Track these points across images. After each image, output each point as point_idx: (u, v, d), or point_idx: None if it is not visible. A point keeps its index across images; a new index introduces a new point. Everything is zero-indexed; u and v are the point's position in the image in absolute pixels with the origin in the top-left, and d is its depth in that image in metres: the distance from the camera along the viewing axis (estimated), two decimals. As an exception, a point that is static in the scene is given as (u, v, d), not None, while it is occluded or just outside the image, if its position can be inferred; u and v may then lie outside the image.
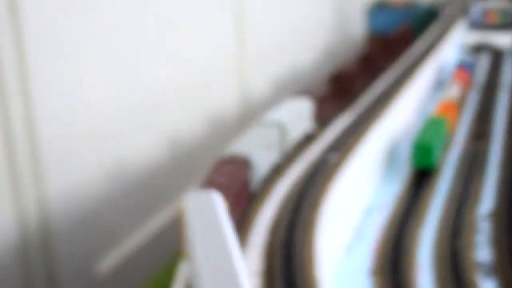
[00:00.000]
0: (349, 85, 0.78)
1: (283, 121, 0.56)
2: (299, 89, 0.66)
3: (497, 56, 1.47)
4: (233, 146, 0.50)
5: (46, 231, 0.72)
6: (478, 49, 1.55)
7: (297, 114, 0.59)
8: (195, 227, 0.53)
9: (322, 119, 0.64)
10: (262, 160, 0.51)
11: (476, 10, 1.82)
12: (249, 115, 1.45)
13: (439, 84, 1.25)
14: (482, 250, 0.50)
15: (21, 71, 0.68)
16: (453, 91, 1.03)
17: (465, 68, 1.26)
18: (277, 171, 0.57)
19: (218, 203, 0.56)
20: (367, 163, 0.64)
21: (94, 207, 0.86)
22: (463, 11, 1.86)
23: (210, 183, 0.52)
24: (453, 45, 1.45)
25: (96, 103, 0.90)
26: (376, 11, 2.80)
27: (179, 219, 0.54)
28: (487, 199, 0.61)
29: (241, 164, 0.50)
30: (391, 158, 0.75)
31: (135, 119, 1.01)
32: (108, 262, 0.87)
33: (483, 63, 1.40)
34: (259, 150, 0.51)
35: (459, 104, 1.01)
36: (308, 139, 0.59)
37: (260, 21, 1.49)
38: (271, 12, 1.62)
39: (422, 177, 0.68)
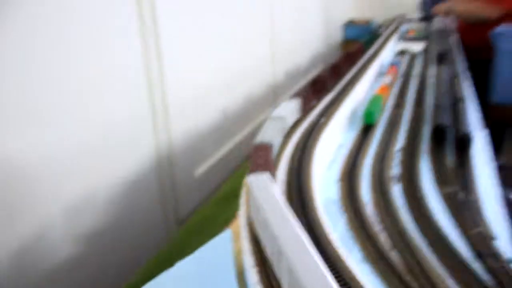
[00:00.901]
0: (323, 86, 1.13)
1: (284, 116, 0.85)
2: (292, 94, 0.99)
3: (412, 57, 1.92)
4: (259, 136, 0.76)
5: (170, 150, 1.17)
6: (402, 53, 2.01)
7: (291, 110, 0.89)
8: (260, 198, 0.54)
9: (306, 111, 0.99)
10: (278, 141, 0.80)
11: (403, 28, 2.36)
12: (276, 92, 1.96)
13: (380, 75, 1.72)
14: (395, 169, 0.92)
15: (158, 53, 1.06)
16: (387, 79, 1.49)
17: (394, 65, 1.74)
18: (290, 129, 0.92)
19: (270, 180, 0.61)
20: (340, 121, 1.05)
21: (194, 137, 1.31)
22: (396, 29, 2.40)
23: (255, 164, 0.70)
24: (389, 51, 1.90)
25: (201, 77, 1.33)
26: (348, 26, 3.46)
27: (246, 193, 0.63)
28: (400, 141, 1.04)
29: (268, 148, 0.73)
30: (352, 118, 1.18)
31: (220, 88, 1.46)
32: (201, 170, 1.35)
33: (405, 61, 1.84)
34: (275, 136, 0.78)
35: (390, 87, 1.47)
36: (296, 124, 0.93)
37: (283, 36, 2.00)
38: (290, 30, 2.14)
39: (367, 129, 1.10)
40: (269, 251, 0.53)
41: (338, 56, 1.52)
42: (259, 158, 0.75)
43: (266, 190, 0.59)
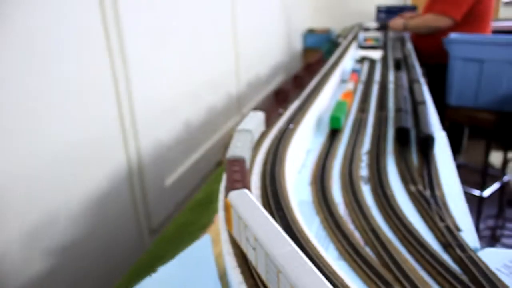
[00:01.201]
0: (286, 96, 1.16)
1: (251, 128, 0.84)
2: (255, 106, 1.00)
3: (372, 64, 2.00)
4: (230, 151, 0.76)
5: (140, 161, 1.17)
6: (362, 60, 2.10)
7: (257, 122, 0.88)
8: (244, 212, 0.52)
9: (271, 122, 0.99)
10: (248, 154, 0.78)
11: (361, 37, 2.45)
12: (241, 102, 2.00)
13: (342, 82, 1.78)
14: (363, 170, 0.95)
15: (125, 69, 1.06)
16: (350, 86, 1.55)
17: (355, 72, 1.80)
18: (261, 137, 0.93)
19: (249, 195, 0.57)
20: (308, 127, 1.07)
21: (163, 147, 1.31)
22: (355, 38, 2.50)
23: (232, 180, 0.68)
24: (349, 58, 1.98)
25: (167, 89, 1.32)
26: (308, 34, 3.56)
27: (226, 209, 0.57)
28: (366, 144, 1.08)
29: (242, 162, 0.71)
30: (319, 123, 1.21)
31: (187, 98, 1.45)
32: (171, 179, 1.35)
33: (365, 68, 1.92)
34: (245, 149, 0.76)
35: (353, 93, 1.53)
36: (264, 134, 0.93)
37: (246, 47, 2.04)
38: (253, 40, 2.18)
39: (334, 133, 1.14)
40: (262, 270, 0.51)
41: (299, 66, 1.55)
42: (235, 173, 0.74)
43: (252, 208, 0.57)
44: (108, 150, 1.21)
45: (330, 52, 2.07)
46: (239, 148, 0.85)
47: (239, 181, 0.69)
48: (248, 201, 0.59)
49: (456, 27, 2.67)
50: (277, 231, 0.51)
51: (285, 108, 1.20)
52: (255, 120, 1.01)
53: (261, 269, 0.51)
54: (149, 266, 0.68)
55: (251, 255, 0.54)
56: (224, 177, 0.79)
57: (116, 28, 1.19)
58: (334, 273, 0.56)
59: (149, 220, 1.41)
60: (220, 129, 1.92)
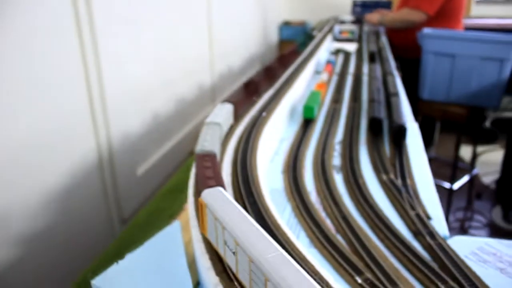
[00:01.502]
0: (256, 88, 1.13)
1: (219, 121, 0.81)
2: (225, 98, 0.98)
3: (347, 56, 2.01)
4: (199, 145, 0.72)
5: (111, 150, 1.14)
6: (337, 52, 2.11)
7: (225, 115, 0.85)
8: (221, 212, 0.47)
9: (238, 116, 0.97)
10: (218, 148, 0.76)
11: (336, 30, 2.46)
12: (215, 92, 1.97)
13: (317, 73, 1.79)
14: (336, 159, 0.96)
15: (95, 55, 1.02)
16: (324, 77, 1.55)
17: (330, 63, 1.81)
18: (228, 132, 0.91)
19: (225, 193, 0.53)
20: (281, 116, 1.07)
21: (135, 137, 1.28)
22: (330, 31, 2.51)
23: (204, 177, 0.64)
24: (324, 50, 1.98)
25: (139, 77, 1.29)
26: (283, 27, 3.55)
27: (200, 209, 0.53)
28: (339, 134, 1.09)
29: (212, 157, 0.68)
30: (292, 113, 1.21)
31: (160, 87, 1.42)
32: (143, 168, 1.32)
33: (340, 60, 1.93)
34: (215, 143, 0.74)
35: (327, 83, 1.53)
36: (231, 129, 0.91)
37: (221, 38, 2.01)
38: (228, 31, 2.15)
39: (308, 123, 1.14)
40: (245, 277, 0.46)
41: (273, 57, 1.54)
42: (206, 170, 0.68)
43: (230, 208, 0.52)
44: (77, 138, 1.18)
45: (304, 44, 2.06)
46: (208, 141, 0.80)
47: (212, 178, 0.64)
48: (224, 200, 0.54)
49: (429, 23, 2.71)
50: (261, 234, 0.47)
51: (259, 97, 1.19)
52: (223, 113, 0.96)
53: (243, 276, 0.47)
54: (117, 254, 0.66)
55: (230, 260, 0.49)
56: (194, 173, 0.75)
57: (87, 13, 1.16)
58: (305, 260, 0.55)
59: (120, 210, 1.39)
60: (194, 119, 1.90)
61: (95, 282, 0.60)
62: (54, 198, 1.11)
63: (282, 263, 0.42)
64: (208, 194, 0.55)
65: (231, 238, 0.48)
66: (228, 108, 1.00)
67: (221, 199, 0.54)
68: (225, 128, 0.96)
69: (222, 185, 0.59)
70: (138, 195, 1.44)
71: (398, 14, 2.86)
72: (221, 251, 0.52)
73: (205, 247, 0.56)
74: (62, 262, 1.13)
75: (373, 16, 3.05)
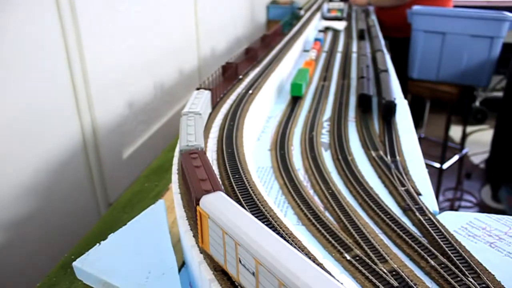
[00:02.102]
0: (234, 72, 1.09)
1: (200, 110, 0.77)
2: (200, 85, 0.94)
3: (336, 34, 1.99)
4: (183, 140, 0.65)
5: (96, 132, 1.12)
6: (325, 30, 2.08)
7: (204, 103, 0.82)
8: (227, 221, 0.42)
9: (216, 103, 0.93)
10: (203, 142, 0.71)
11: (325, 8, 2.44)
12: (202, 72, 1.95)
13: (305, 51, 1.77)
14: (324, 137, 0.95)
15: (76, 34, 1.00)
16: (312, 54, 1.53)
17: (318, 41, 1.79)
18: (220, 101, 0.89)
19: (229, 199, 0.47)
20: (268, 93, 1.05)
21: (120, 119, 1.26)
22: (319, 9, 2.48)
23: (196, 180, 0.57)
24: (312, 28, 1.96)
25: (123, 57, 1.26)
26: (271, 6, 3.50)
27: (200, 221, 0.48)
28: (327, 112, 1.07)
29: (200, 154, 0.61)
30: (280, 90, 1.19)
31: (146, 68, 1.39)
32: (129, 151, 1.30)
33: (328, 38, 1.91)
34: (199, 137, 0.68)
35: (315, 61, 1.52)
36: (216, 107, 0.89)
37: (207, 16, 1.97)
38: (215, 9, 2.11)
39: (296, 100, 1.12)
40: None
41: (247, 44, 1.50)
42: (197, 170, 0.57)
43: (241, 218, 0.43)
44: (60, 122, 1.15)
45: (290, 25, 2.02)
46: (192, 135, 0.70)
47: (206, 179, 0.55)
48: (231, 209, 0.45)
49: (419, 1, 2.68)
50: (291, 250, 0.38)
51: (230, 88, 1.16)
52: (202, 100, 0.86)
53: None
54: (100, 235, 0.64)
55: (247, 283, 0.41)
56: (181, 173, 0.67)
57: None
58: (292, 237, 0.54)
59: (106, 194, 1.37)
60: (180, 101, 1.87)
61: (76, 263, 0.58)
62: (38, 182, 1.08)
63: (311, 272, 0.35)
64: (209, 202, 0.47)
65: (250, 257, 0.39)
66: (206, 95, 0.90)
67: (226, 207, 0.45)
68: (205, 117, 0.88)
69: (220, 188, 0.52)
70: (124, 178, 1.42)
71: None
72: (231, 270, 0.43)
73: (189, 224, 0.54)
74: (47, 247, 1.11)
75: None
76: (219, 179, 0.57)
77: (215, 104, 0.99)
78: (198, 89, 0.93)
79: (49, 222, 1.13)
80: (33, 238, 1.08)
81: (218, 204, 0.46)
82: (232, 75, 1.13)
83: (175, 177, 0.64)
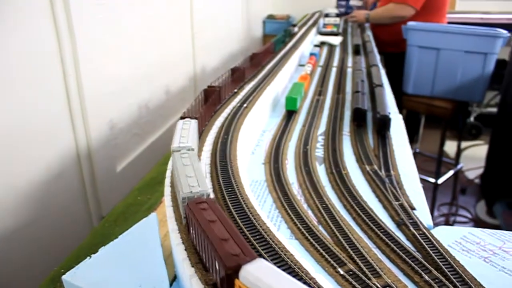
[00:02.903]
0: (217, 97, 1.06)
1: (192, 145, 0.71)
2: (184, 113, 0.93)
3: (331, 49, 2.02)
4: (184, 188, 0.58)
5: (89, 145, 1.11)
6: (321, 44, 2.12)
7: (193, 134, 0.77)
8: None
9: (201, 133, 0.91)
10: (206, 184, 0.62)
11: (321, 23, 2.48)
12: (197, 86, 1.94)
13: (300, 65, 1.78)
14: (319, 151, 0.95)
15: (71, 43, 0.99)
16: (308, 68, 1.55)
17: (314, 55, 1.81)
18: (214, 115, 0.88)
19: (272, 267, 0.37)
20: (263, 107, 1.05)
21: (114, 132, 1.25)
22: (315, 24, 2.52)
23: (217, 239, 0.52)
24: (308, 43, 1.99)
25: (118, 70, 1.26)
26: (268, 21, 3.54)
27: None
28: (322, 126, 1.08)
29: (211, 203, 0.52)
30: (274, 104, 1.20)
31: (141, 80, 1.39)
32: (122, 164, 1.29)
33: (324, 53, 1.94)
34: (202, 180, 0.59)
35: (311, 75, 1.53)
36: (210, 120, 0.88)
37: (204, 30, 1.97)
38: (211, 24, 2.12)
39: (290, 114, 1.12)
40: None
41: (243, 58, 1.47)
42: (214, 226, 0.46)
43: None
44: (54, 135, 1.14)
45: (282, 42, 2.01)
46: (192, 178, 0.58)
47: (228, 239, 0.44)
48: (283, 280, 0.36)
49: (414, 18, 2.71)
50: None
51: (240, 88, 1.16)
52: (190, 132, 0.75)
53: None
54: (91, 248, 0.64)
55: None
56: (170, 186, 0.63)
57: (64, 5, 1.12)
58: (285, 251, 0.53)
59: (99, 207, 1.36)
60: (176, 114, 1.87)
61: (65, 277, 0.57)
62: (31, 195, 1.08)
63: None
64: (254, 277, 0.37)
65: None
66: (193, 125, 0.79)
67: (278, 280, 0.36)
68: (196, 149, 0.78)
69: (253, 253, 0.41)
70: (117, 191, 1.41)
71: (385, 9, 2.85)
72: None
73: (181, 237, 0.53)
74: (39, 260, 1.09)
75: (359, 14, 3.04)
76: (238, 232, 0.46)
77: (200, 133, 0.91)
78: (182, 118, 0.84)
79: (42, 235, 1.12)
80: (25, 251, 1.07)
81: (266, 279, 0.37)
82: (216, 99, 1.06)
83: (167, 189, 0.64)
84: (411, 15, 2.71)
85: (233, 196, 0.66)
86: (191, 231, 0.52)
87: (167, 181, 0.66)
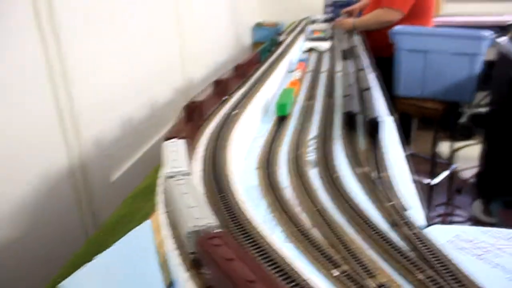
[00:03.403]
0: (200, 112, 1.04)
1: (186, 169, 0.68)
2: (169, 133, 0.92)
3: (320, 54, 2.05)
4: (189, 218, 0.54)
5: (82, 156, 1.11)
6: (310, 50, 2.14)
7: (184, 157, 0.74)
8: None
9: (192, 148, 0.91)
10: (211, 214, 0.59)
11: (309, 29, 2.52)
12: (188, 96, 1.96)
13: (290, 71, 1.80)
14: (311, 155, 0.96)
15: (61, 60, 0.99)
16: (297, 74, 1.56)
17: (303, 62, 1.83)
18: (205, 122, 0.86)
19: None
20: (254, 113, 1.06)
21: (108, 142, 1.25)
22: (302, 31, 2.55)
23: (237, 277, 0.37)
24: (297, 49, 2.02)
25: (109, 81, 1.26)
26: (256, 28, 3.57)
27: None
28: (313, 131, 1.09)
29: (225, 237, 0.50)
30: (265, 110, 1.21)
31: (131, 91, 1.40)
32: (117, 174, 1.29)
33: (313, 58, 1.96)
34: (205, 210, 0.56)
35: (300, 81, 1.55)
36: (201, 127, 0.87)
37: (192, 40, 1.99)
38: (199, 33, 2.13)
39: (281, 120, 1.14)
40: None
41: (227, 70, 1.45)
42: (233, 264, 0.41)
43: None
44: (45, 146, 1.14)
45: (268, 51, 1.98)
46: (195, 208, 0.52)
47: (254, 281, 0.39)
48: None
49: (401, 22, 2.73)
50: None
51: (230, 95, 1.16)
52: (181, 154, 0.70)
53: None
54: (86, 257, 0.64)
55: None
56: (163, 194, 0.61)
57: (49, 13, 1.12)
58: (278, 253, 0.54)
59: (95, 217, 1.36)
60: (167, 124, 1.88)
61: (61, 286, 0.57)
62: (24, 208, 1.07)
63: None
64: None
65: None
66: (182, 146, 0.74)
67: None
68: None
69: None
70: (112, 201, 1.41)
71: (372, 15, 2.86)
72: None
73: (175, 243, 0.54)
74: (35, 272, 1.09)
75: (346, 21, 3.03)
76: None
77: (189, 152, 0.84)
78: (168, 138, 0.79)
79: (37, 247, 1.11)
80: (20, 263, 1.06)
81: None
82: (198, 115, 1.03)
83: (161, 196, 0.64)
84: (398, 19, 2.73)
85: (226, 202, 0.67)
86: (206, 270, 0.46)
87: (160, 189, 0.67)
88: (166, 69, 1.90)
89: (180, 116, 0.96)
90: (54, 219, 1.18)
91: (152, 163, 1.63)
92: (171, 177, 0.62)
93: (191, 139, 0.91)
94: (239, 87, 1.34)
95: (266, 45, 1.93)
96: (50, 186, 1.17)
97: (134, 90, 1.58)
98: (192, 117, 0.99)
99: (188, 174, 0.63)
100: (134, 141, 1.58)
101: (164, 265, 0.60)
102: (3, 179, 1.01)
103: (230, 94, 1.22)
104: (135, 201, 0.98)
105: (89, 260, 0.61)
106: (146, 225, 0.67)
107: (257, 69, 1.55)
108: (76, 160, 1.26)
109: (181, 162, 0.67)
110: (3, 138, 1.00)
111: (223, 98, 1.16)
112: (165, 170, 0.64)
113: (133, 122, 1.57)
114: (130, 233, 0.65)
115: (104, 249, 0.64)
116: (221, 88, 1.21)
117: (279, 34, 2.27)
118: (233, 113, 1.06)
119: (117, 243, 0.62)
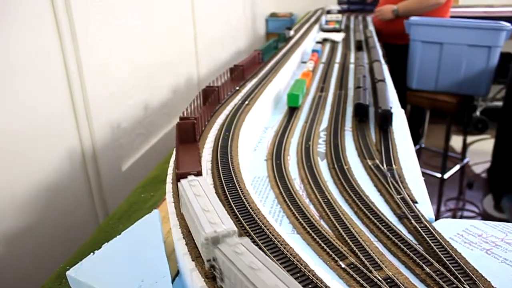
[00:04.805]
0: (193, 130, 0.99)
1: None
2: (183, 114, 0.89)
3: (334, 45, 2.03)
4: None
5: (94, 145, 1.13)
6: (323, 41, 2.12)
7: (210, 193, 0.66)
8: None
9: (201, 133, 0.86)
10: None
11: (323, 20, 2.49)
12: (201, 85, 1.94)
13: (302, 62, 1.78)
14: (321, 146, 0.95)
15: (74, 45, 1.00)
16: (310, 65, 1.55)
17: (316, 52, 1.81)
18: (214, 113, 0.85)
19: None
20: (265, 104, 1.06)
21: (119, 132, 1.26)
22: (316, 21, 2.50)
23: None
24: (311, 40, 1.99)
25: (122, 70, 1.27)
26: (270, 19, 3.55)
27: None
28: (324, 122, 1.08)
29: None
30: (277, 101, 1.20)
31: (144, 80, 1.40)
32: (128, 164, 1.31)
33: (326, 49, 1.94)
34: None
35: (313, 72, 1.54)
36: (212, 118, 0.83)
37: (207, 30, 1.97)
38: (214, 23, 2.11)
39: (292, 111, 1.12)
40: None
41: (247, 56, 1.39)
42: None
43: None
44: (59, 136, 1.15)
45: (275, 48, 1.80)
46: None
47: None
48: None
49: (429, 13, 2.64)
50: None
51: (242, 85, 1.15)
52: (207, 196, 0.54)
53: None
54: (97, 244, 0.64)
55: None
56: (171, 183, 0.62)
57: (65, 3, 1.13)
58: (285, 244, 0.54)
59: (105, 206, 1.37)
60: (179, 114, 1.88)
61: (69, 273, 0.58)
62: (38, 195, 1.09)
63: None
64: None
65: None
66: (205, 182, 0.58)
67: None
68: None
69: None
70: (123, 191, 1.42)
71: (413, 1, 2.68)
72: None
73: (182, 233, 0.54)
74: (47, 259, 1.11)
75: (386, 9, 2.79)
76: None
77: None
78: (182, 118, 0.76)
79: (49, 235, 1.13)
80: (32, 250, 1.08)
81: None
82: (215, 100, 1.01)
83: (169, 186, 0.64)
84: (440, 4, 2.61)
85: (234, 192, 0.67)
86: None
87: (169, 178, 0.67)
88: (179, 58, 1.90)
89: (196, 99, 0.96)
90: (66, 207, 1.19)
91: (163, 153, 1.64)
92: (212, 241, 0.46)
93: (205, 121, 0.92)
94: (255, 74, 1.32)
95: (272, 42, 1.76)
96: (63, 174, 1.19)
97: (146, 80, 1.58)
98: (208, 101, 1.00)
99: (235, 231, 0.47)
100: (145, 131, 1.59)
101: (172, 254, 0.61)
102: (18, 167, 1.02)
103: (244, 83, 1.21)
104: (144, 190, 0.98)
105: (98, 247, 0.62)
106: (154, 214, 0.67)
107: (259, 71, 1.41)
108: (88, 149, 1.27)
109: (206, 205, 0.52)
110: (17, 128, 1.01)
111: (237, 87, 1.16)
112: (208, 233, 0.45)
113: (144, 112, 1.57)
114: (137, 222, 0.65)
115: (113, 237, 0.64)
116: (213, 98, 1.07)
117: (289, 28, 2.19)
118: (245, 103, 1.06)
119: (124, 232, 0.63)
